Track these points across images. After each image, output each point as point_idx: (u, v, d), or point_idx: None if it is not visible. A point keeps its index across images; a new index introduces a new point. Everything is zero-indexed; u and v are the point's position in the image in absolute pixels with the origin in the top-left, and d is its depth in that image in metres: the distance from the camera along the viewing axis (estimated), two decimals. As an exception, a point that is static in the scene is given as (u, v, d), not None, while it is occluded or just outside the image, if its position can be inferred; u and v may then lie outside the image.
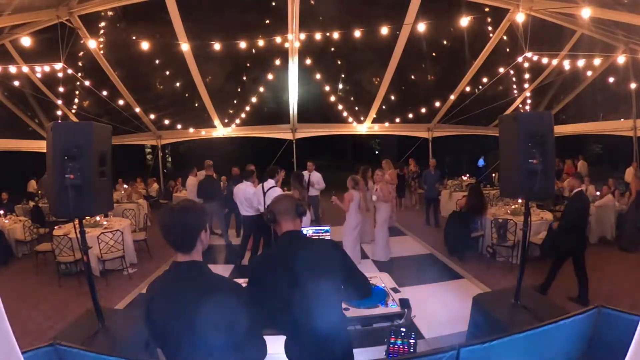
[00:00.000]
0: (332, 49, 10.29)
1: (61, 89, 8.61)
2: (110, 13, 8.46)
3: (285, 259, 1.73)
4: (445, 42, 10.45)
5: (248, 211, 5.86)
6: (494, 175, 10.67)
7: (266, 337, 1.57)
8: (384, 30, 7.31)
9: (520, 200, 6.32)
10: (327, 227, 3.65)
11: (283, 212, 1.84)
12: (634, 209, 6.71)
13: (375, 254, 6.18)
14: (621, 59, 7.56)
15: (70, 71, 7.99)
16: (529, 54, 7.51)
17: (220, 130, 11.58)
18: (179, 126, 11.89)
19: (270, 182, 5.34)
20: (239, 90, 11.91)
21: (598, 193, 7.57)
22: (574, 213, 4.36)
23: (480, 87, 10.12)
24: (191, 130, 11.87)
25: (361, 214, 6.00)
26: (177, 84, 10.84)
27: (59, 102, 9.16)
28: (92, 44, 7.40)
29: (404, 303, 2.83)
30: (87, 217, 5.69)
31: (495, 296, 3.62)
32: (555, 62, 8.46)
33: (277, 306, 1.72)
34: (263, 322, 1.80)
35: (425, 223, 8.67)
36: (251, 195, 5.71)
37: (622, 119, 9.41)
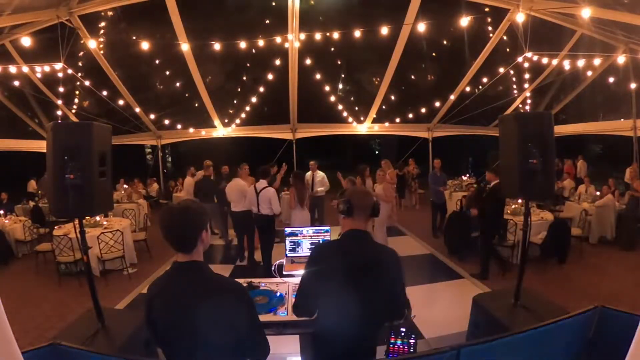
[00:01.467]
0: (332, 49, 10.27)
1: (61, 89, 8.60)
2: (110, 13, 8.44)
3: (346, 255, 1.73)
4: (445, 42, 10.43)
5: (239, 207, 5.94)
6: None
7: (268, 337, 1.57)
8: (384, 30, 7.31)
9: (520, 200, 6.32)
10: (327, 227, 3.65)
11: (361, 208, 1.80)
12: (634, 207, 6.70)
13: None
14: (621, 59, 7.55)
15: (70, 71, 7.98)
16: (529, 54, 7.50)
17: (220, 130, 11.58)
18: (179, 126, 11.88)
19: (262, 183, 5.39)
20: (239, 90, 11.89)
21: (598, 193, 7.57)
22: (488, 202, 5.26)
23: (480, 87, 10.11)
24: (191, 130, 11.86)
25: None
26: (177, 84, 10.81)
27: (59, 102, 9.15)
28: (92, 44, 7.39)
29: (404, 303, 2.83)
30: (87, 217, 5.69)
31: (495, 296, 3.62)
32: (555, 62, 8.45)
33: (322, 296, 1.73)
34: (302, 308, 1.84)
35: (432, 233, 7.67)
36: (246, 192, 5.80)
37: (622, 119, 9.40)
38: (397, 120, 12.01)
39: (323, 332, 1.81)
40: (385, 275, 1.74)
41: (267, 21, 9.64)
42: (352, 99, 12.24)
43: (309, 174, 7.69)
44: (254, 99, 10.55)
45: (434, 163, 8.30)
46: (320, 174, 7.76)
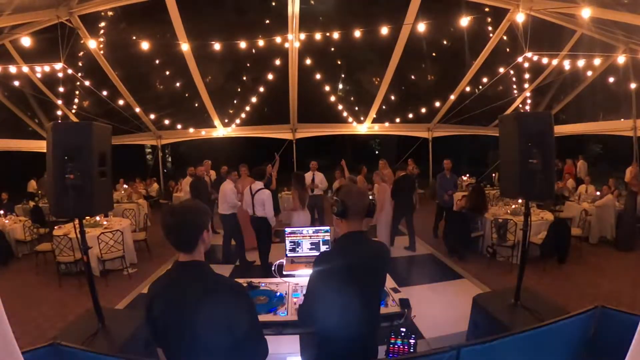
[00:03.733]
0: (332, 49, 10.27)
1: (61, 89, 8.61)
2: (110, 13, 8.44)
3: (347, 258, 1.75)
4: (445, 42, 10.43)
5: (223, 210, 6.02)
6: (494, 175, 10.67)
7: (268, 337, 1.57)
8: (384, 30, 7.31)
9: (520, 200, 6.31)
10: (327, 227, 3.65)
11: (356, 210, 1.79)
12: (631, 204, 6.69)
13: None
14: (621, 59, 7.55)
15: (70, 71, 7.98)
16: (529, 54, 7.50)
17: (220, 130, 11.58)
18: (179, 126, 11.89)
19: (258, 184, 5.37)
20: (239, 90, 11.89)
21: (598, 193, 7.57)
22: (397, 190, 6.42)
23: (480, 87, 10.11)
24: (191, 130, 11.87)
25: None
26: (177, 84, 10.82)
27: (59, 102, 9.16)
28: (92, 44, 7.39)
29: (404, 303, 2.83)
30: (87, 217, 5.69)
31: (495, 296, 3.61)
32: (555, 62, 8.45)
33: (327, 300, 1.73)
34: (311, 314, 1.83)
35: (434, 235, 7.52)
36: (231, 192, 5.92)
37: (622, 119, 9.40)
38: (397, 120, 12.02)
39: (327, 332, 1.81)
40: (382, 271, 1.89)
41: (267, 21, 9.65)
42: (352, 99, 12.26)
43: (308, 174, 7.71)
44: (254, 99, 10.55)
45: (444, 163, 7.36)
46: (319, 175, 7.81)
